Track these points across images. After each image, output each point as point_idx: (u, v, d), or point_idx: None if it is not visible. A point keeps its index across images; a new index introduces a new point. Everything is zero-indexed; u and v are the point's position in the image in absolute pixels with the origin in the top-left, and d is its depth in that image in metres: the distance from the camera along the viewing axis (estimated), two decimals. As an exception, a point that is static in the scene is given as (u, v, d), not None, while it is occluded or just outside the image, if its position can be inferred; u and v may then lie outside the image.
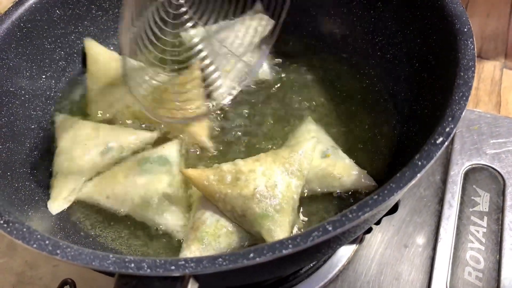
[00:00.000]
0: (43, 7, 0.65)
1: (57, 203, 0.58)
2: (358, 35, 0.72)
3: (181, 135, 0.64)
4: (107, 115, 0.67)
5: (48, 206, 0.57)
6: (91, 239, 0.56)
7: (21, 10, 0.63)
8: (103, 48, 0.72)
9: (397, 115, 0.63)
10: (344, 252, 0.64)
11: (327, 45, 0.74)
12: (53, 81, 0.69)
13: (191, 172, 0.54)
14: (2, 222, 0.40)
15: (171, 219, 0.56)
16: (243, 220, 0.52)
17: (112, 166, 0.62)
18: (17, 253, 0.68)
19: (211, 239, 0.52)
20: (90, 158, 0.60)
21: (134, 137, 0.63)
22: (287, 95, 0.69)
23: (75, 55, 0.72)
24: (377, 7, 0.67)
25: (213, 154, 0.63)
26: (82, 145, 0.60)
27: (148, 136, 0.64)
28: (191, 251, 0.51)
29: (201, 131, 0.64)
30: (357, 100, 0.67)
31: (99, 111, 0.67)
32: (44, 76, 0.67)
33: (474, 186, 0.71)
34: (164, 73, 0.66)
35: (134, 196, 0.57)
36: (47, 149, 0.63)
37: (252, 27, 0.69)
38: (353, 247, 0.65)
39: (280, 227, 0.50)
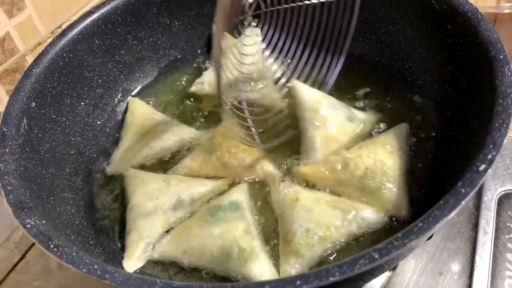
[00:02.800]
0: (84, 38, 0.68)
1: (132, 262, 0.56)
2: (387, 61, 0.73)
3: (246, 178, 0.64)
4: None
5: (124, 265, 0.56)
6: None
7: (63, 41, 0.66)
8: (143, 104, 0.76)
9: (431, 141, 0.63)
10: (378, 280, 0.64)
11: (356, 71, 0.75)
12: (91, 108, 0.71)
13: (305, 170, 0.61)
14: (52, 246, 0.42)
15: (256, 270, 0.53)
16: (360, 195, 0.58)
17: (184, 220, 0.60)
18: (53, 276, 0.69)
19: (306, 249, 0.52)
20: (162, 212, 0.59)
21: (204, 188, 0.62)
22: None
23: (111, 82, 0.75)
24: (407, 34, 0.68)
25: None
26: (154, 200, 0.59)
27: (219, 184, 0.63)
28: (290, 265, 0.52)
29: (266, 162, 0.64)
30: (389, 126, 0.67)
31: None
32: (83, 103, 0.70)
33: (509, 212, 0.70)
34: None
35: (212, 248, 0.54)
36: (86, 175, 0.65)
37: None
38: (387, 273, 0.65)
39: (396, 195, 0.57)
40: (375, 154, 0.60)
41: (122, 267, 0.55)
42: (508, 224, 0.69)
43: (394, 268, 0.65)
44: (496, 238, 0.67)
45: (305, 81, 0.68)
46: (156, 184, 0.61)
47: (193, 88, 0.77)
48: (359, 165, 0.59)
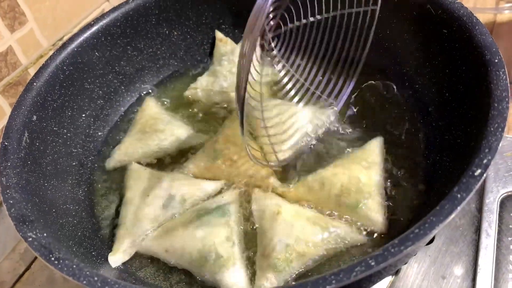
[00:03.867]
0: (84, 50, 0.69)
1: (118, 256, 0.57)
2: (384, 66, 0.73)
3: (244, 181, 0.64)
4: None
5: (109, 259, 0.57)
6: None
7: (64, 54, 0.67)
8: (155, 104, 0.77)
9: (429, 145, 0.63)
10: (380, 285, 0.64)
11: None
12: (92, 119, 0.72)
13: (283, 190, 0.62)
14: (53, 259, 0.42)
15: (228, 278, 0.53)
16: (341, 211, 0.59)
17: (173, 219, 0.61)
18: (57, 286, 0.70)
19: (284, 264, 0.53)
20: (152, 209, 0.60)
21: (196, 188, 0.63)
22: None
23: (112, 94, 0.76)
24: (403, 39, 0.68)
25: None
26: (145, 197, 0.61)
27: (212, 187, 0.64)
28: (267, 278, 0.53)
29: (267, 172, 0.64)
30: (387, 130, 0.68)
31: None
32: (84, 115, 0.71)
33: (511, 214, 0.69)
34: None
35: (192, 250, 0.55)
36: (88, 186, 0.66)
37: (320, 120, 0.69)
38: (390, 278, 0.65)
39: (373, 210, 0.57)
40: (350, 171, 0.60)
41: (123, 278, 0.55)
42: (510, 226, 0.68)
43: (397, 273, 0.65)
44: (499, 240, 0.67)
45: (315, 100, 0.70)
46: (151, 181, 0.63)
47: (187, 93, 0.79)
48: (335, 183, 0.59)
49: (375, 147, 0.64)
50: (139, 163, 0.69)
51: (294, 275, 0.55)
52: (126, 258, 0.58)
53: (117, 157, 0.71)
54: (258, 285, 0.53)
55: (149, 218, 0.60)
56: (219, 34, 0.82)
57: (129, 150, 0.71)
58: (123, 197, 0.64)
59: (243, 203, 0.63)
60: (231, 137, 0.66)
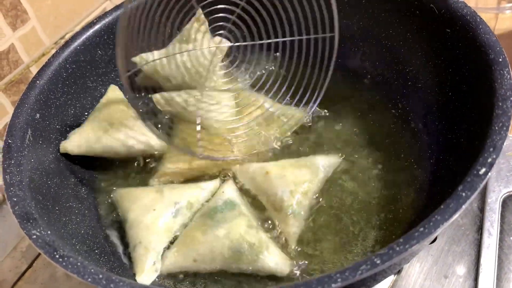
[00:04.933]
0: (86, 49, 0.69)
1: (146, 275, 0.56)
2: (388, 65, 0.73)
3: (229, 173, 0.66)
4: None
5: (138, 281, 0.55)
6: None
7: (66, 52, 0.67)
8: (121, 94, 0.73)
9: (432, 145, 0.63)
10: (382, 284, 0.64)
11: (356, 76, 0.76)
12: (95, 117, 0.72)
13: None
14: (57, 256, 0.42)
15: (268, 261, 0.54)
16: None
17: (186, 225, 0.61)
18: (59, 285, 0.70)
19: (297, 207, 0.60)
20: (163, 222, 0.59)
21: (199, 190, 0.63)
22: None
23: (115, 92, 0.75)
24: (406, 38, 0.68)
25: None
26: (152, 212, 0.59)
27: (212, 186, 0.64)
28: (291, 225, 0.58)
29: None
30: (390, 129, 0.68)
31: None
32: (86, 113, 0.71)
33: (514, 214, 0.70)
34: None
35: (222, 250, 0.55)
36: (91, 184, 0.66)
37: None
38: (392, 277, 0.65)
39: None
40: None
41: (127, 276, 0.55)
42: (512, 225, 0.68)
43: (399, 272, 0.65)
44: (501, 240, 0.67)
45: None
46: (149, 196, 0.61)
47: (136, 58, 0.70)
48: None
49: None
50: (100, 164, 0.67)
51: (309, 212, 0.60)
52: (155, 275, 0.57)
53: (75, 141, 0.64)
54: (288, 234, 0.58)
55: (163, 231, 0.59)
56: (201, 16, 0.71)
57: (90, 136, 0.65)
58: (125, 222, 0.61)
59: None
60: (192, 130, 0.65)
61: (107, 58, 0.73)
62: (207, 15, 0.67)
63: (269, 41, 0.66)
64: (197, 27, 0.70)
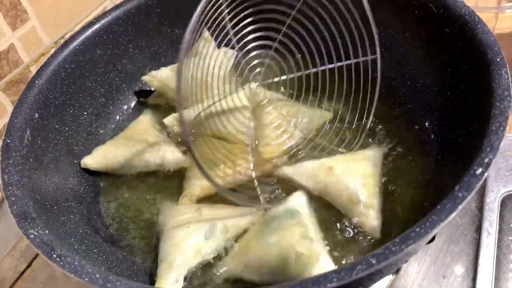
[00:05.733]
0: (85, 48, 0.69)
1: None
2: (386, 65, 0.73)
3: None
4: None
5: None
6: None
7: (65, 52, 0.67)
8: (152, 121, 0.75)
9: (430, 144, 0.63)
10: (381, 284, 0.64)
11: (355, 77, 0.75)
12: (94, 117, 0.72)
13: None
14: (55, 256, 0.42)
15: (316, 272, 0.51)
16: None
17: (216, 248, 0.58)
18: (58, 284, 0.70)
19: (372, 199, 0.59)
20: (194, 241, 0.56)
21: (237, 216, 0.59)
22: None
23: (114, 92, 0.76)
24: (405, 37, 0.68)
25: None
26: (186, 228, 0.57)
27: (253, 213, 0.60)
28: (371, 217, 0.57)
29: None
30: (388, 129, 0.68)
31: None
32: (85, 113, 0.71)
33: (512, 214, 0.69)
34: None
35: (270, 258, 0.53)
36: (90, 183, 0.66)
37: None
38: (390, 277, 0.65)
39: None
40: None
41: (125, 275, 0.55)
42: (511, 225, 0.68)
43: (397, 271, 0.65)
44: (500, 239, 0.67)
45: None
46: (188, 213, 0.59)
47: (145, 77, 0.76)
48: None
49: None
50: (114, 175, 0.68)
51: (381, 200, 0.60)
52: None
53: (95, 157, 0.67)
54: (373, 225, 0.56)
55: (192, 250, 0.56)
56: (207, 33, 0.73)
57: (109, 153, 0.67)
58: (162, 235, 0.59)
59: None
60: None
61: (106, 58, 0.73)
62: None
63: (312, 70, 0.66)
64: (204, 43, 0.72)
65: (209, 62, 0.61)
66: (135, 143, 0.68)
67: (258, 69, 0.65)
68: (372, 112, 0.66)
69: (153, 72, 0.75)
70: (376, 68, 0.64)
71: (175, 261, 0.55)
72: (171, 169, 0.68)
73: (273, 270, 0.53)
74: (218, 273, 0.56)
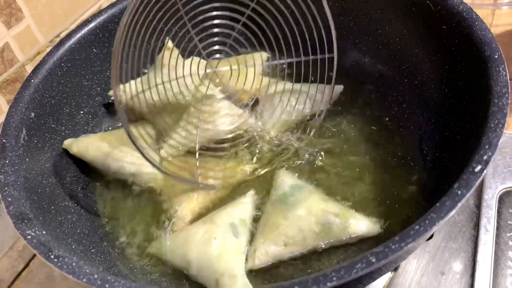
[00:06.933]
0: (81, 47, 0.69)
1: None
2: (384, 62, 0.73)
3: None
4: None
5: None
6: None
7: (61, 51, 0.66)
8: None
9: (429, 141, 0.63)
10: (379, 281, 0.64)
11: (354, 74, 0.75)
12: (90, 116, 0.72)
13: None
14: (52, 257, 0.42)
15: (357, 223, 0.56)
16: None
17: (249, 238, 0.58)
18: (56, 284, 0.70)
19: None
20: (231, 245, 0.56)
21: (242, 206, 0.60)
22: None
23: (110, 90, 0.75)
24: (403, 35, 0.68)
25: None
26: (213, 240, 0.55)
27: (250, 198, 0.62)
28: None
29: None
30: (386, 126, 0.68)
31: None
32: (82, 112, 0.70)
33: (510, 210, 0.70)
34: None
35: (311, 227, 0.55)
36: (87, 183, 0.66)
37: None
38: (389, 274, 0.65)
39: None
40: None
41: (123, 276, 0.55)
42: (509, 222, 0.68)
43: (396, 269, 0.65)
44: (498, 236, 0.67)
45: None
46: (201, 230, 0.57)
47: (111, 93, 0.72)
48: None
49: None
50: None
51: None
52: None
53: (79, 142, 0.66)
54: None
55: (235, 253, 0.55)
56: (170, 43, 0.71)
57: (92, 143, 0.66)
58: (190, 266, 0.56)
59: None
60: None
61: (102, 56, 0.72)
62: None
63: (272, 63, 0.66)
64: (169, 54, 0.70)
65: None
66: (120, 144, 0.65)
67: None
68: (323, 114, 0.66)
69: (123, 87, 0.67)
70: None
71: (233, 269, 0.54)
72: (142, 185, 0.66)
73: (318, 236, 0.55)
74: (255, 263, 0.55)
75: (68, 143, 0.66)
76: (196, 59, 0.65)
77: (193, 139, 0.64)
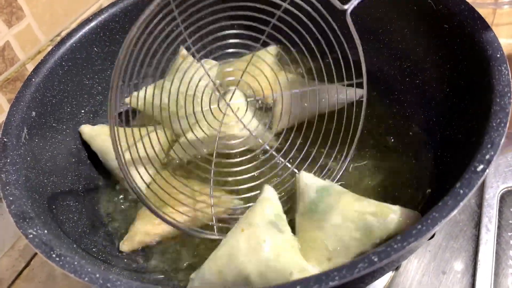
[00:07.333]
0: (82, 46, 0.69)
1: None
2: (385, 61, 0.73)
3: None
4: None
5: None
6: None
7: (62, 50, 0.66)
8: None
9: (430, 141, 0.63)
10: (380, 280, 0.64)
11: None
12: (91, 115, 0.72)
13: None
14: (54, 256, 0.42)
15: (395, 218, 0.50)
16: None
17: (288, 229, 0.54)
18: (57, 283, 0.70)
19: None
20: (282, 241, 0.51)
21: (267, 203, 0.55)
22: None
23: (111, 89, 0.75)
24: (404, 34, 0.68)
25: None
26: (263, 243, 0.49)
27: (271, 193, 0.57)
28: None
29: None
30: (387, 126, 0.68)
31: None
32: (83, 111, 0.70)
33: (511, 210, 0.70)
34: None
35: (351, 234, 0.51)
36: (88, 182, 0.66)
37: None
38: (390, 274, 0.65)
39: None
40: None
41: (125, 275, 0.55)
42: (510, 221, 0.68)
43: (397, 268, 0.65)
44: (499, 235, 0.67)
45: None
46: (242, 238, 0.51)
47: (127, 100, 0.70)
48: None
49: None
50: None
51: None
52: None
53: (94, 130, 0.68)
54: None
55: (290, 247, 0.52)
56: (184, 51, 0.72)
57: (102, 135, 0.67)
58: (248, 278, 0.51)
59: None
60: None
61: (103, 55, 0.72)
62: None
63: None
64: (183, 60, 0.70)
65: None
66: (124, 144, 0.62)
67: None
68: (351, 153, 0.63)
69: (134, 93, 0.69)
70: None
71: (302, 263, 0.50)
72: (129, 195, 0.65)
73: (361, 242, 0.50)
74: None
75: (84, 129, 0.68)
76: (209, 62, 0.65)
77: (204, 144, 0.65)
